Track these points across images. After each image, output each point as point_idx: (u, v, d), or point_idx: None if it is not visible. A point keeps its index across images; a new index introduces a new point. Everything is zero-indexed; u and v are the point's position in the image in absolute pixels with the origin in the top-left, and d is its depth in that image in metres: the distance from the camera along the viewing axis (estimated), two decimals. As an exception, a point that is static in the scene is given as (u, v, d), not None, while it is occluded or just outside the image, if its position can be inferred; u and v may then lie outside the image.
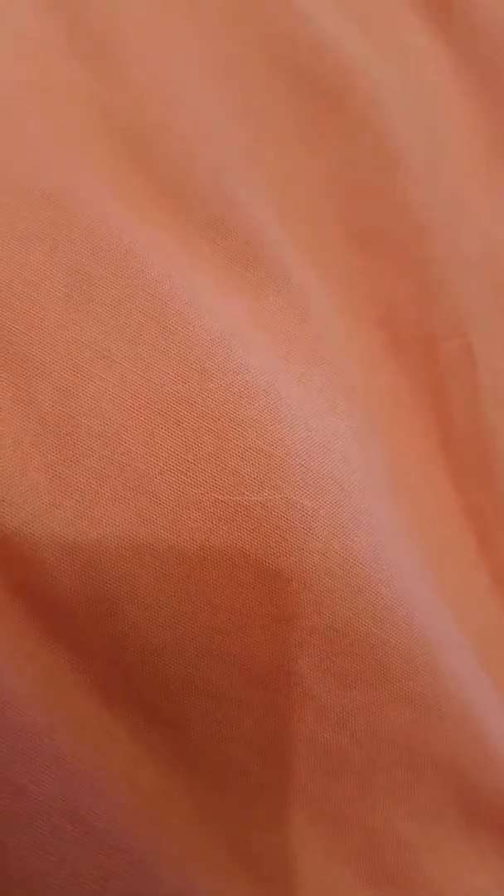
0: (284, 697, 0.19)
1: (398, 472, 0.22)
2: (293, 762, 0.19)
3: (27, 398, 0.19)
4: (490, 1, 0.26)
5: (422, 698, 0.19)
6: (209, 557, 0.19)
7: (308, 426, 0.20)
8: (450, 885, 0.20)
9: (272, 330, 0.21)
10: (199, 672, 0.19)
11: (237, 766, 0.19)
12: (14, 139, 0.21)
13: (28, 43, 0.23)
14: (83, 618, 0.19)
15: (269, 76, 0.24)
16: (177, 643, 0.19)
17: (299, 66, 0.24)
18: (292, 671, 0.19)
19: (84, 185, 0.21)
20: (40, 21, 0.24)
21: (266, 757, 0.19)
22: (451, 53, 0.26)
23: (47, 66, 0.23)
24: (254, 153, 0.24)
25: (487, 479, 0.23)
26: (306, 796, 0.20)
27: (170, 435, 0.19)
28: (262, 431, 0.19)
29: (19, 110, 0.22)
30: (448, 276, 0.24)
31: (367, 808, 0.20)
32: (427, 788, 0.20)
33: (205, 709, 0.19)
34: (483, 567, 0.23)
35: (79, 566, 0.18)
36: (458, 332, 0.24)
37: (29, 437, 0.19)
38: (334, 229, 0.24)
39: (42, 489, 0.19)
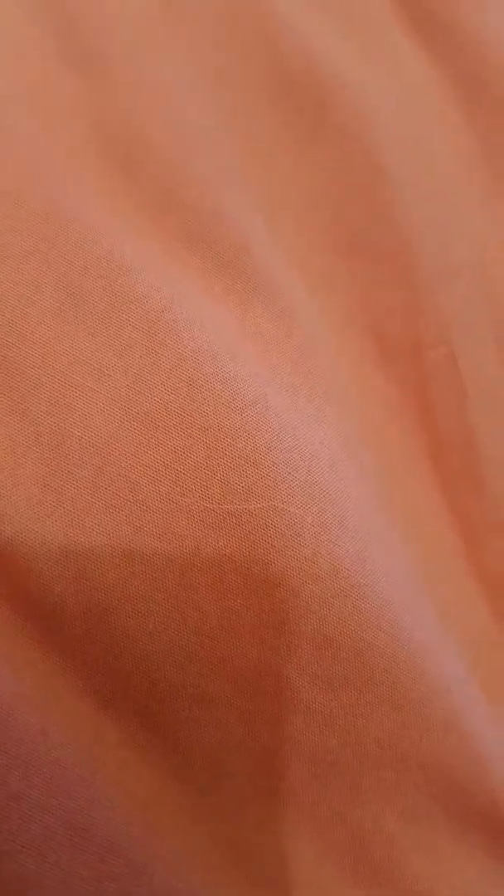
0: (273, 701, 0.20)
1: (387, 478, 0.22)
2: (282, 764, 0.20)
3: (20, 410, 0.19)
4: (474, 15, 0.26)
5: (407, 701, 0.20)
6: (199, 565, 0.19)
7: (296, 435, 0.20)
8: (438, 884, 0.20)
9: (260, 340, 0.22)
10: (189, 677, 0.19)
11: (228, 769, 0.20)
12: (3, 148, 0.22)
13: (18, 52, 0.24)
14: (76, 625, 0.19)
15: (259, 88, 0.25)
16: (167, 649, 0.19)
17: (288, 78, 0.25)
18: (281, 675, 0.20)
19: (74, 197, 0.21)
20: (30, 30, 0.24)
21: (256, 759, 0.20)
22: (437, 65, 0.26)
23: (37, 76, 0.24)
24: (243, 164, 0.24)
25: (474, 484, 0.23)
26: (296, 798, 0.20)
27: (160, 445, 0.19)
28: (250, 441, 0.20)
29: (9, 119, 0.22)
30: (435, 284, 0.24)
31: (355, 808, 0.20)
32: (414, 789, 0.20)
33: (195, 713, 0.19)
34: (470, 571, 0.23)
35: (71, 575, 0.19)
36: (443, 339, 0.24)
37: (21, 448, 0.19)
38: (322, 239, 0.24)
39: (34, 500, 0.19)
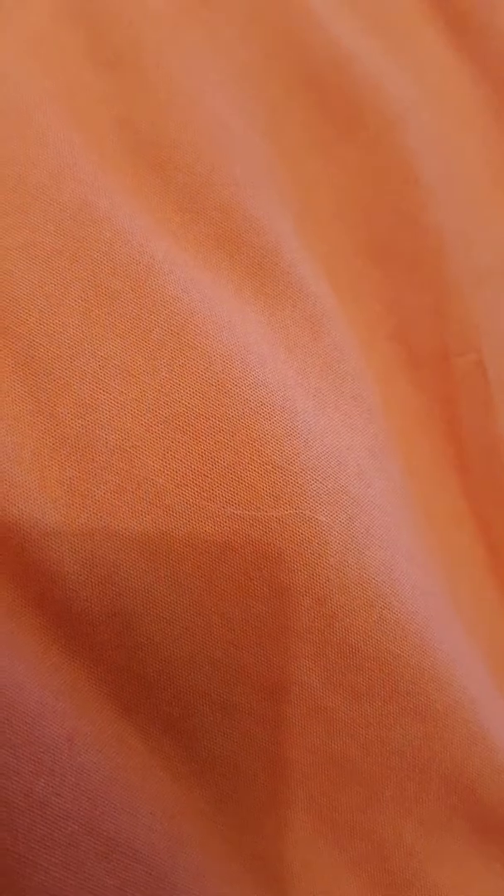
0: (296, 709, 0.20)
1: (413, 486, 0.22)
2: (303, 772, 0.20)
3: (47, 411, 0.19)
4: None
5: (431, 712, 0.20)
6: (224, 570, 0.19)
7: (323, 441, 0.20)
8: (457, 895, 0.20)
9: (288, 344, 0.21)
10: (213, 684, 0.19)
11: (250, 777, 0.20)
12: (36, 146, 0.21)
13: (48, 52, 0.23)
14: (101, 630, 0.19)
15: (289, 90, 0.24)
16: (192, 656, 0.19)
17: (319, 81, 0.24)
18: (304, 683, 0.19)
19: (104, 197, 0.21)
20: (60, 31, 0.23)
21: (277, 767, 0.20)
22: (468, 68, 0.26)
23: (68, 76, 0.23)
24: (272, 166, 0.24)
25: (498, 494, 0.23)
26: (316, 806, 0.20)
27: (187, 449, 0.19)
28: (277, 447, 0.19)
29: (40, 118, 0.22)
30: (462, 290, 0.24)
31: (375, 817, 0.20)
32: (435, 799, 0.20)
33: (219, 720, 0.19)
34: (492, 581, 0.23)
35: (97, 579, 0.19)
36: (471, 346, 0.24)
37: (48, 450, 0.19)
38: (351, 243, 0.24)
39: (61, 502, 0.19)
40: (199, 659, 0.19)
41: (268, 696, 0.19)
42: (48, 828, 0.16)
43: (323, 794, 0.20)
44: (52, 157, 0.21)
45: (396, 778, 0.20)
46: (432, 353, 0.24)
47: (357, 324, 0.23)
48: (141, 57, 0.23)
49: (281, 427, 0.20)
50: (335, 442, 0.20)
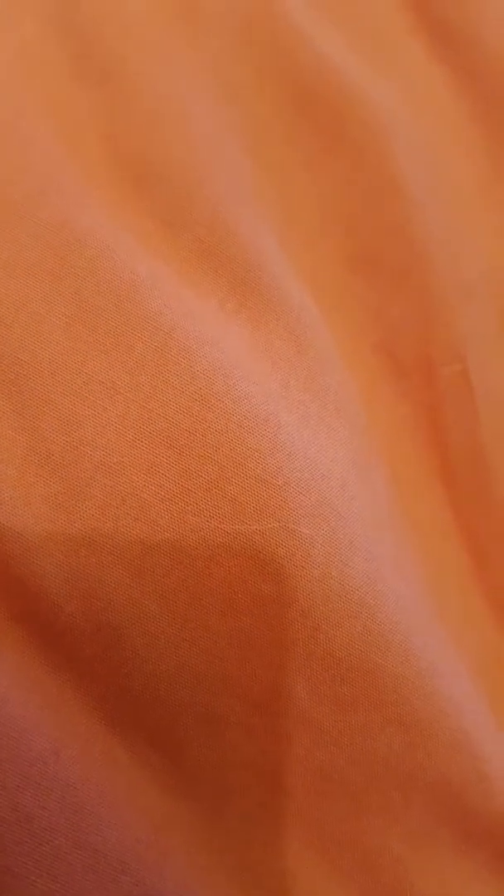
0: (282, 721, 0.20)
1: (398, 496, 0.22)
2: (290, 783, 0.20)
3: (31, 428, 0.19)
4: (492, 26, 0.26)
5: (416, 722, 0.20)
6: (209, 585, 0.19)
7: (307, 454, 0.20)
8: (443, 902, 0.20)
9: (271, 357, 0.22)
10: (199, 697, 0.19)
11: (237, 788, 0.20)
12: (19, 163, 0.22)
13: (32, 66, 0.24)
14: (87, 644, 0.19)
15: (274, 104, 0.24)
16: (177, 669, 0.19)
17: (303, 94, 0.24)
18: (290, 695, 0.20)
19: (87, 214, 0.21)
20: (45, 47, 0.24)
21: (264, 778, 0.20)
22: (453, 80, 0.26)
23: (52, 90, 0.23)
24: (256, 178, 0.24)
25: (483, 503, 0.23)
26: (303, 817, 0.20)
27: (171, 464, 0.19)
28: (261, 461, 0.19)
29: (24, 132, 0.22)
30: (448, 300, 0.24)
31: (362, 827, 0.20)
32: (421, 808, 0.20)
33: (205, 733, 0.19)
34: (478, 590, 0.23)
35: (81, 594, 0.19)
36: (456, 356, 0.24)
37: (32, 466, 0.19)
38: (335, 255, 0.24)
39: (45, 518, 0.19)
40: (185, 672, 0.19)
41: (254, 708, 0.20)
42: (34, 841, 0.17)
43: (310, 805, 0.20)
44: (35, 173, 0.21)
45: (382, 787, 0.20)
46: (417, 363, 0.24)
47: (342, 335, 0.23)
48: (126, 72, 0.24)
49: (264, 441, 0.20)
50: (319, 455, 0.20)
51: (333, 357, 0.23)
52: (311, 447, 0.20)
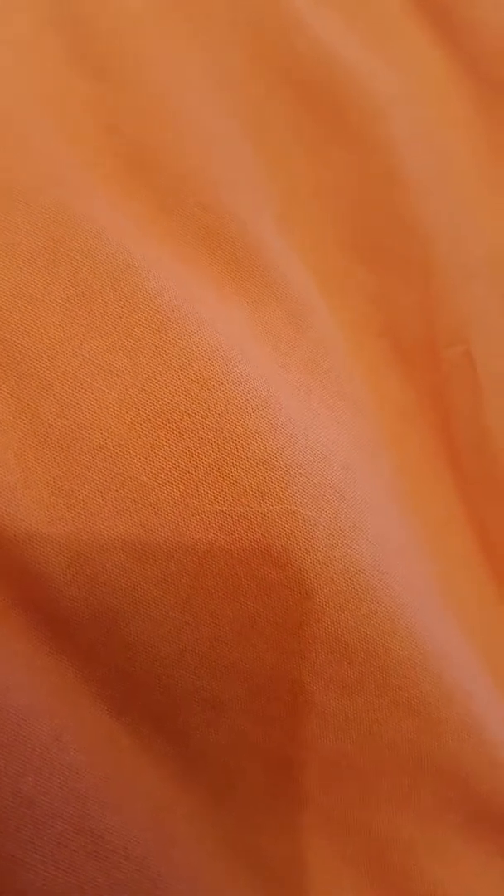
0: (287, 705, 0.19)
1: (404, 480, 0.22)
2: (297, 769, 0.20)
3: (29, 412, 0.19)
4: (491, 12, 0.26)
5: (423, 706, 0.19)
6: (211, 568, 0.19)
7: (308, 436, 0.20)
8: (454, 888, 0.20)
9: (271, 339, 0.21)
10: (202, 681, 0.19)
11: (243, 774, 0.20)
12: (18, 150, 0.22)
13: (30, 57, 0.24)
14: (90, 629, 0.19)
15: (272, 90, 0.24)
16: (180, 653, 0.19)
17: (302, 80, 0.24)
18: (295, 679, 0.19)
19: (85, 198, 0.21)
20: (42, 39, 0.24)
21: (271, 764, 0.20)
22: (451, 63, 0.26)
23: (50, 80, 0.23)
24: (256, 165, 0.24)
25: (489, 486, 0.23)
26: (311, 802, 0.20)
27: (171, 447, 0.19)
28: (262, 442, 0.19)
29: (23, 122, 0.22)
30: (450, 283, 0.24)
31: (371, 812, 0.20)
32: (430, 793, 0.20)
33: (209, 717, 0.19)
34: (485, 573, 0.23)
35: (84, 579, 0.19)
36: (459, 338, 0.24)
37: (31, 450, 0.19)
38: (336, 240, 0.24)
39: (45, 502, 0.19)
40: (188, 656, 0.19)
41: (258, 693, 0.19)
42: (36, 827, 0.16)
43: (317, 790, 0.20)
44: (33, 160, 0.21)
45: (391, 772, 0.20)
46: (420, 346, 0.24)
47: (345, 320, 0.23)
48: (124, 61, 0.24)
49: (265, 422, 0.19)
50: (320, 436, 0.20)
51: (335, 340, 0.22)
52: (313, 429, 0.20)
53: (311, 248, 0.24)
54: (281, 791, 0.20)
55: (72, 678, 0.19)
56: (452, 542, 0.23)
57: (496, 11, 0.26)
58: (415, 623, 0.19)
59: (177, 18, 0.25)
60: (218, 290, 0.21)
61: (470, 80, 0.26)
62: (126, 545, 0.19)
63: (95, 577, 0.19)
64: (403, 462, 0.23)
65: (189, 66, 0.24)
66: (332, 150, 0.24)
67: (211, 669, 0.19)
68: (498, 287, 0.25)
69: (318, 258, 0.24)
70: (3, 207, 0.21)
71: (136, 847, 0.17)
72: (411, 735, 0.20)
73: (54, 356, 0.19)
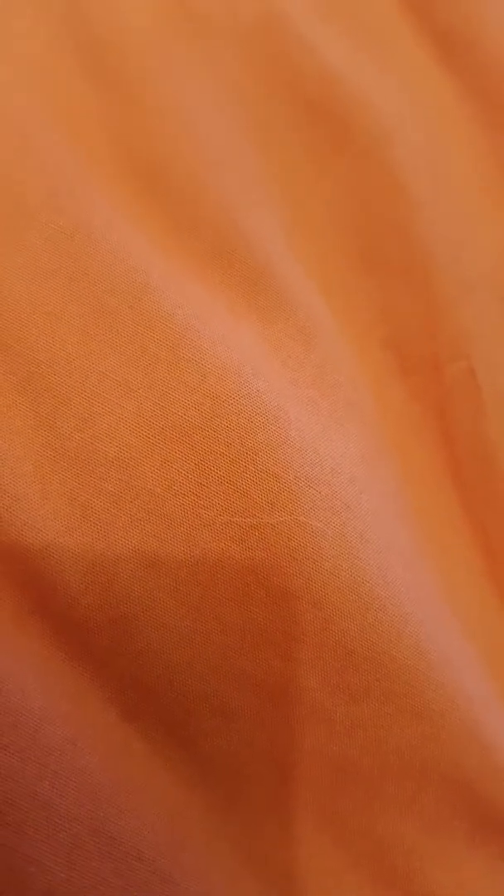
0: (295, 712, 0.20)
1: (408, 492, 0.23)
2: (304, 774, 0.20)
3: (48, 425, 0.20)
4: (494, 29, 0.26)
5: (428, 712, 0.20)
6: (222, 577, 0.19)
7: (317, 449, 0.20)
8: (457, 892, 0.21)
9: (281, 355, 0.22)
10: (212, 689, 0.20)
11: (251, 779, 0.20)
12: (33, 169, 0.22)
13: (42, 72, 0.24)
14: (103, 636, 0.19)
15: (279, 108, 0.25)
16: (191, 661, 0.19)
17: (307, 96, 0.25)
18: (303, 686, 0.20)
19: (100, 217, 0.22)
20: (54, 57, 0.24)
21: (278, 769, 0.20)
22: (455, 82, 0.26)
23: (63, 99, 0.24)
24: (264, 181, 0.24)
25: (491, 497, 0.24)
26: (317, 807, 0.20)
27: (184, 460, 0.20)
28: (272, 455, 0.20)
29: (35, 138, 0.23)
30: (453, 298, 0.24)
31: (375, 817, 0.21)
32: (434, 798, 0.21)
33: (218, 724, 0.20)
34: (489, 584, 0.23)
35: (97, 587, 0.19)
36: (462, 353, 0.24)
37: (49, 463, 0.20)
38: (342, 254, 0.25)
39: (62, 513, 0.19)
40: (199, 664, 0.19)
41: (267, 700, 0.20)
42: (52, 829, 0.17)
43: (324, 795, 0.20)
44: (48, 177, 0.22)
45: (396, 778, 0.20)
46: (424, 360, 0.24)
47: (349, 333, 0.24)
48: (134, 76, 0.24)
49: (275, 436, 0.20)
50: (328, 449, 0.21)
51: (342, 354, 0.23)
52: (321, 442, 0.21)
53: (318, 261, 0.24)
54: (287, 796, 0.20)
55: (86, 683, 0.19)
56: (455, 552, 0.24)
57: (500, 31, 0.27)
58: (419, 632, 0.20)
59: (186, 38, 0.25)
60: (230, 308, 0.22)
61: (473, 99, 0.27)
62: (139, 555, 0.19)
63: (109, 585, 0.19)
64: (408, 473, 0.23)
65: (197, 83, 0.25)
66: (338, 167, 0.25)
67: (221, 676, 0.20)
68: (499, 302, 0.25)
69: (324, 271, 0.24)
70: (19, 227, 0.21)
71: (148, 849, 0.18)
72: (416, 741, 0.20)
73: (72, 371, 0.20)
